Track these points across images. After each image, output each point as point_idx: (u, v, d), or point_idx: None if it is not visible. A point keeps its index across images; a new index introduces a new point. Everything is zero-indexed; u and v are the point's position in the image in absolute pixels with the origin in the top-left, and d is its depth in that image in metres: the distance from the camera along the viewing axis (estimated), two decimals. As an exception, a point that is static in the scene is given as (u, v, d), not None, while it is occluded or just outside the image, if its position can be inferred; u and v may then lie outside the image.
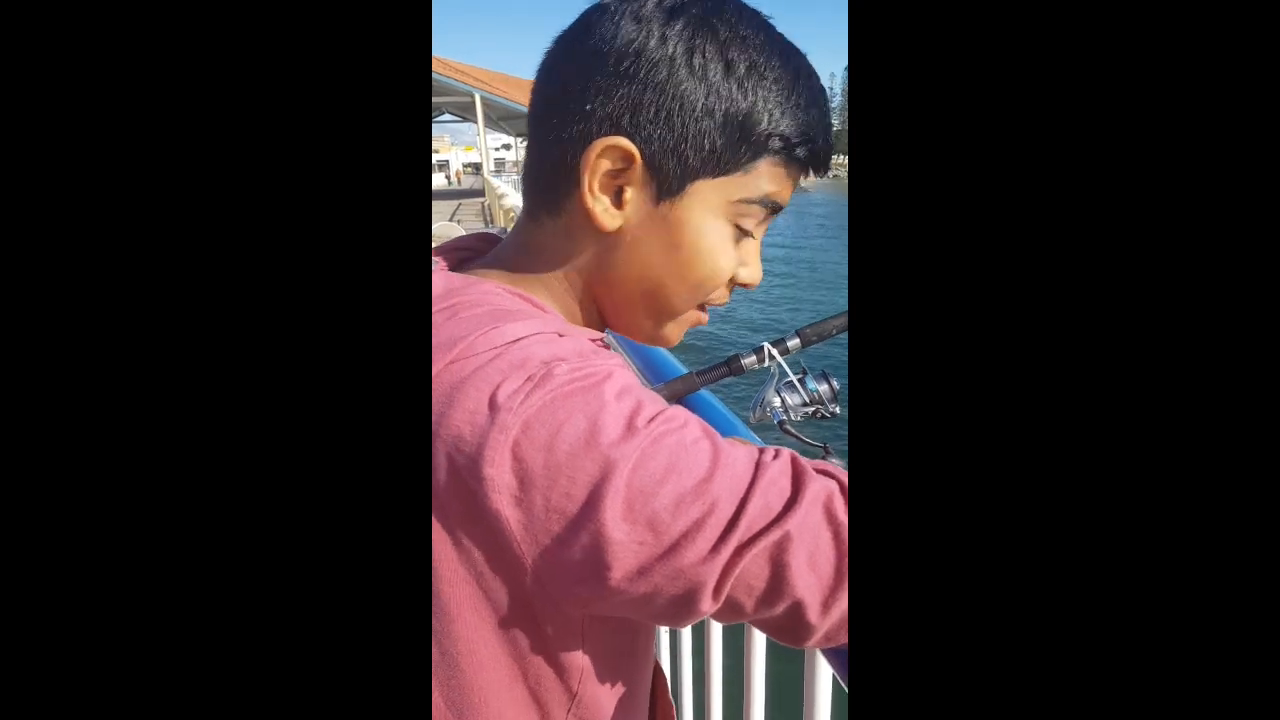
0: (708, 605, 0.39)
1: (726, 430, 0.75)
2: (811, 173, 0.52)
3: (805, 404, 0.75)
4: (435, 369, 0.39)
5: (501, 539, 0.38)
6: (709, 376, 0.77)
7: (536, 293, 0.50)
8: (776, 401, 0.75)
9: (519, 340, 0.41)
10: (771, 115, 0.48)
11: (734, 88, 0.47)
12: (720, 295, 0.54)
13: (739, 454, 0.41)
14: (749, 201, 0.49)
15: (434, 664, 0.42)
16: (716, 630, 0.94)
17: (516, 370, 0.39)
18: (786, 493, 0.40)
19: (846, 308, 0.84)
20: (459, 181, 36.65)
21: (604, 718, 0.50)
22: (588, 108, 0.46)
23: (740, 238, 0.51)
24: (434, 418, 0.38)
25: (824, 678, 0.59)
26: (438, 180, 36.79)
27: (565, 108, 0.47)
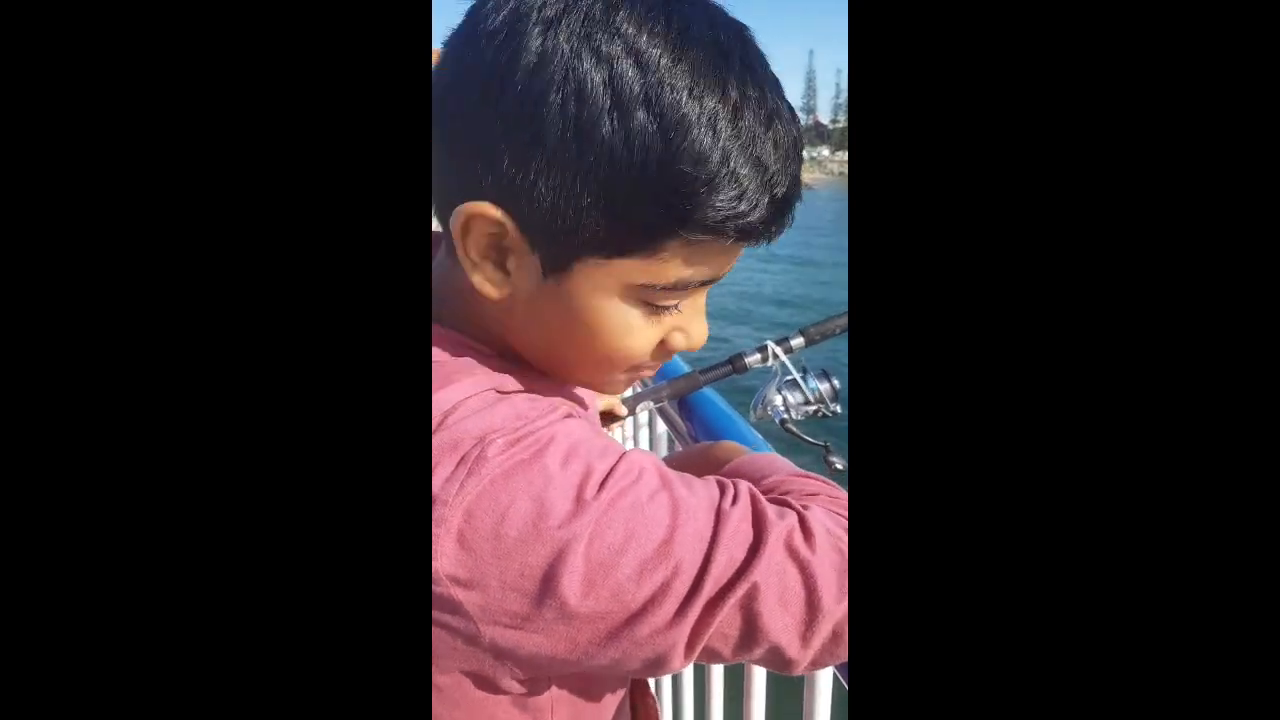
0: (679, 663, 0.38)
1: (728, 430, 0.76)
2: (757, 243, 0.40)
3: (806, 403, 0.75)
4: None
5: (458, 619, 0.37)
6: (711, 375, 0.77)
7: (468, 328, 0.44)
8: (778, 400, 0.75)
9: (451, 412, 0.37)
10: (686, 184, 0.36)
11: (645, 146, 0.35)
12: (651, 365, 0.46)
13: (699, 504, 0.39)
14: (659, 288, 0.40)
15: None
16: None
17: (449, 454, 0.36)
18: (749, 538, 0.38)
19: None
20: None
21: None
22: (454, 153, 0.38)
23: (658, 313, 0.41)
24: None
25: (824, 675, 0.59)
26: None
27: (439, 148, 0.39)
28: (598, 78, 0.35)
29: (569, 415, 0.40)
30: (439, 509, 0.35)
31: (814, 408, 0.75)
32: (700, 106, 0.36)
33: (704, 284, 0.42)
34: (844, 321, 0.81)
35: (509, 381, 0.41)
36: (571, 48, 0.35)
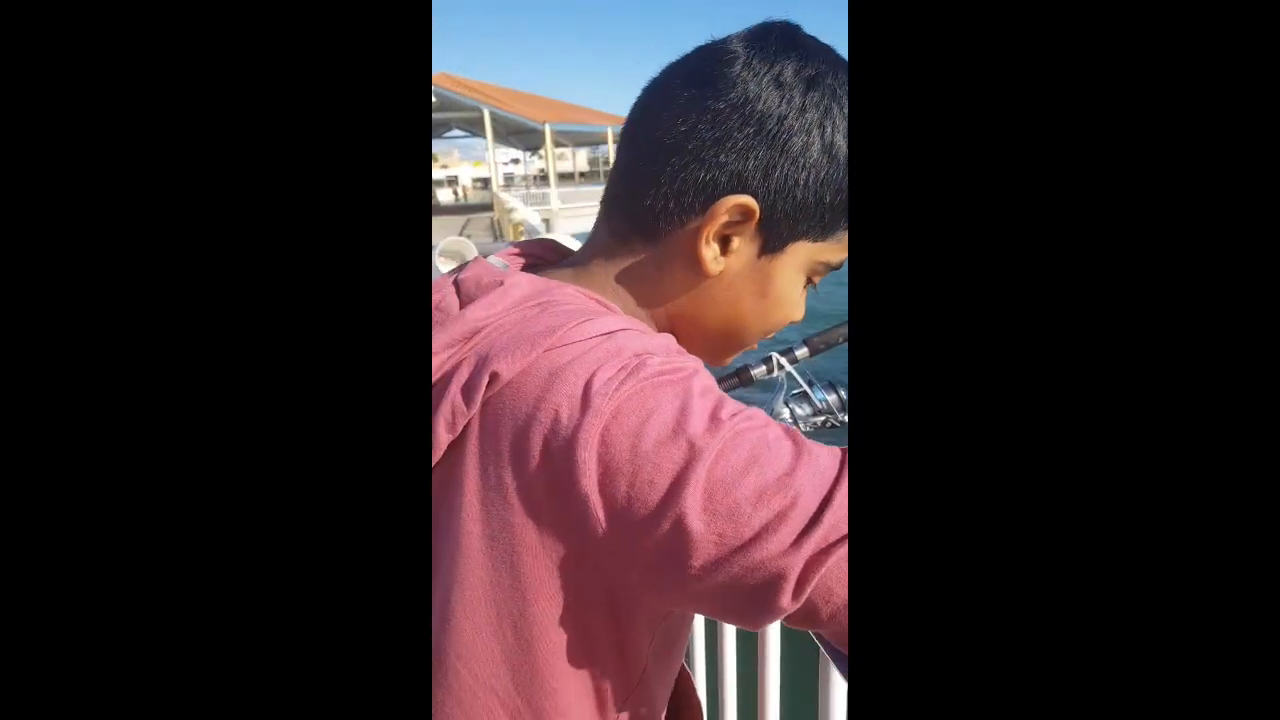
0: (787, 601, 0.38)
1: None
2: None
3: (814, 413, 0.75)
4: (530, 357, 0.41)
5: (587, 523, 0.39)
6: (720, 387, 0.77)
7: (617, 305, 0.52)
8: (785, 413, 0.75)
9: (613, 333, 0.43)
10: None
11: (838, 162, 0.50)
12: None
13: (823, 452, 0.41)
14: (829, 265, 0.54)
15: (507, 646, 0.42)
16: (730, 638, 0.94)
17: (611, 359, 0.41)
18: None
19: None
20: (467, 197, 36.83)
21: (653, 716, 0.50)
22: (721, 159, 0.48)
23: (807, 289, 0.55)
24: (529, 401, 0.40)
25: (839, 687, 0.58)
26: (446, 195, 36.95)
27: (693, 152, 0.49)
28: (832, 125, 0.49)
29: (704, 366, 0.46)
30: (596, 400, 0.39)
31: (822, 418, 0.75)
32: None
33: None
34: (848, 330, 0.81)
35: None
36: (822, 108, 0.49)
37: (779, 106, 0.48)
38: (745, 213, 0.49)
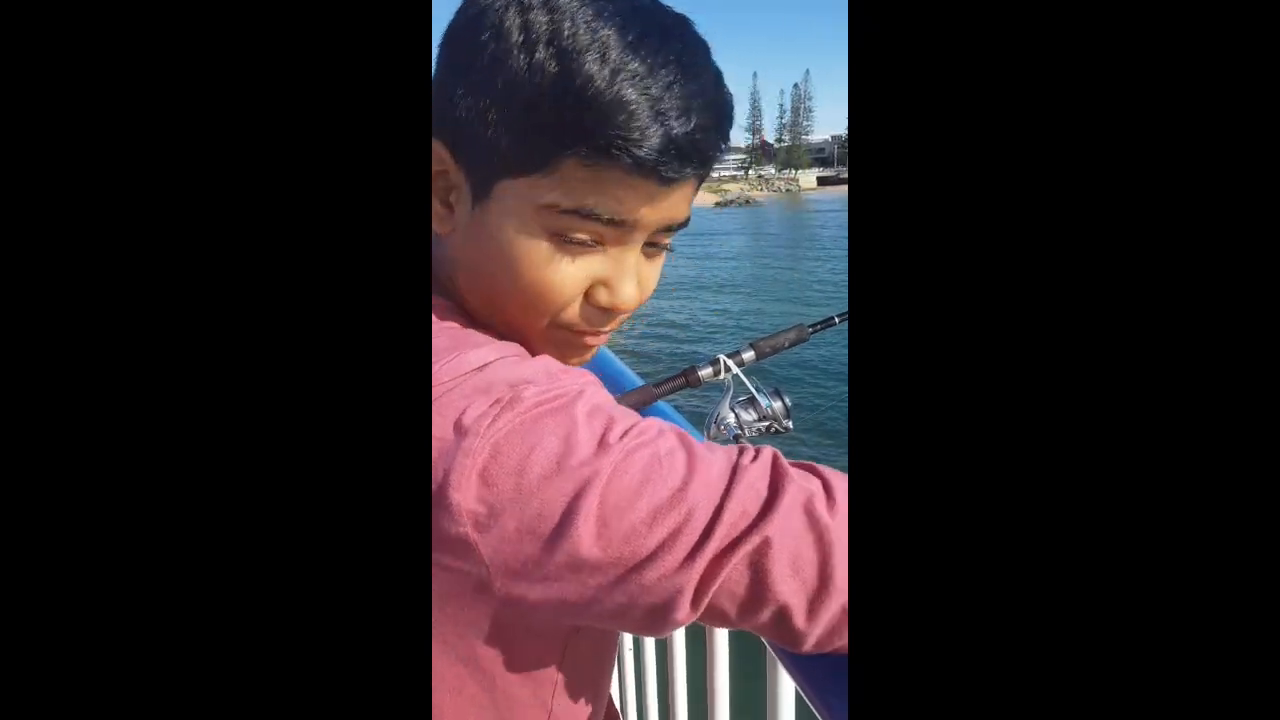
0: (684, 615, 0.38)
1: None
2: (657, 180, 0.42)
3: (759, 419, 0.76)
4: None
5: (470, 563, 0.37)
6: (666, 388, 0.77)
7: (464, 304, 0.48)
8: (731, 418, 0.76)
9: (484, 367, 0.40)
10: (576, 103, 0.40)
11: (543, 71, 0.40)
12: (583, 325, 0.48)
13: (716, 459, 0.40)
14: (561, 210, 0.43)
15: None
16: (680, 644, 0.94)
17: (481, 395, 0.38)
18: (763, 495, 0.38)
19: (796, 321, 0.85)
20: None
21: None
22: (435, 104, 0.44)
23: (576, 251, 0.44)
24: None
25: (787, 692, 0.59)
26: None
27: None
28: (516, 22, 0.41)
29: (593, 382, 0.43)
30: (468, 440, 0.37)
31: (767, 423, 0.75)
32: (593, 37, 0.41)
33: (611, 222, 0.44)
34: (794, 335, 0.82)
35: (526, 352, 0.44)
36: (504, 4, 0.42)
37: (458, 25, 0.43)
38: (439, 159, 0.44)
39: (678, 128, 0.42)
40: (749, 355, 0.79)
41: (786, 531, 0.38)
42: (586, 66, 0.40)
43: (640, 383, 0.86)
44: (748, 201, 55.48)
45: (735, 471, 0.39)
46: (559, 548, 0.36)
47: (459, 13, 0.45)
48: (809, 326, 0.82)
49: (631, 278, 0.47)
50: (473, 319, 0.47)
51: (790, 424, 0.76)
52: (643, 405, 0.78)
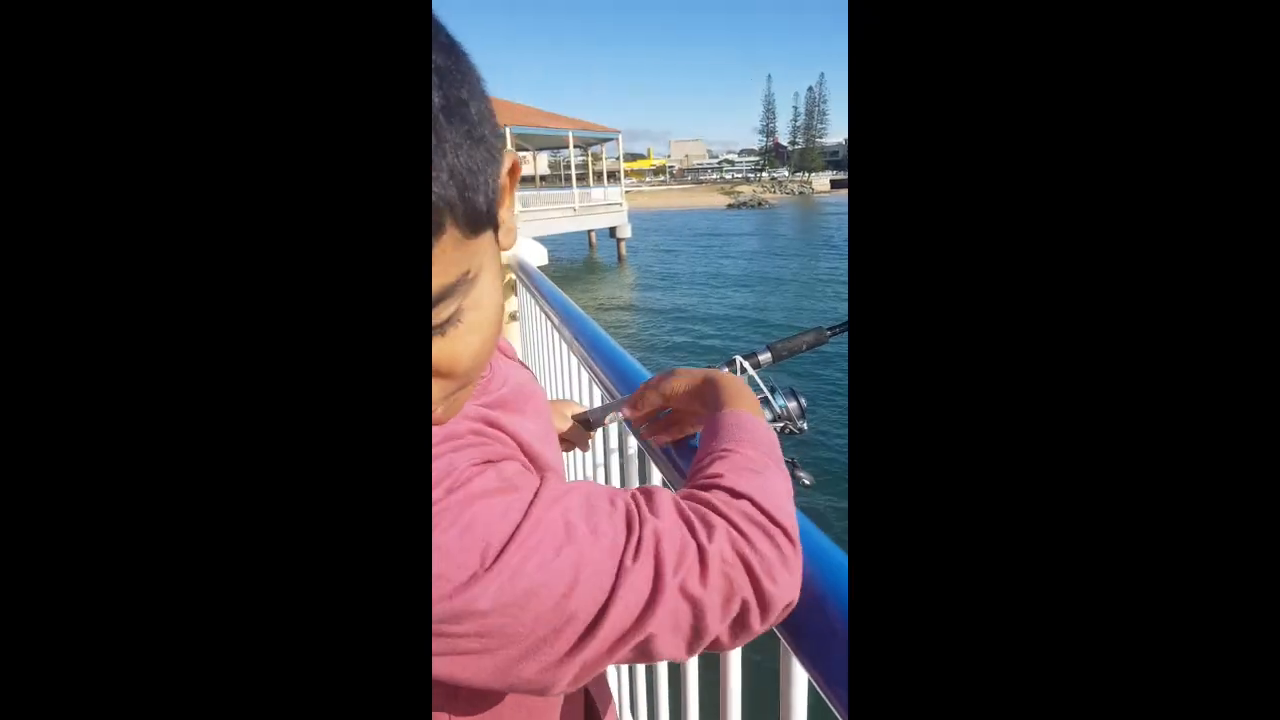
0: (561, 690, 0.41)
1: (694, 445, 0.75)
2: None
3: (775, 419, 0.75)
4: None
5: None
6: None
7: None
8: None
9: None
10: None
11: None
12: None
13: (601, 558, 0.40)
14: None
15: None
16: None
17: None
18: (646, 594, 0.41)
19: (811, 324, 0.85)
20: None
21: None
22: None
23: None
24: None
25: (800, 681, 0.59)
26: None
27: None
28: None
29: (485, 461, 0.42)
30: None
31: (782, 424, 0.75)
32: None
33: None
34: (811, 338, 0.81)
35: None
36: None
37: None
38: None
39: None
40: (765, 357, 0.79)
41: (665, 615, 0.41)
42: None
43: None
44: (760, 204, 55.38)
45: (619, 574, 0.40)
46: (443, 656, 0.38)
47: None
48: (827, 329, 0.81)
49: None
50: None
51: (805, 425, 0.76)
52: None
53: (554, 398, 1.47)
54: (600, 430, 1.03)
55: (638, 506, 0.44)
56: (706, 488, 0.49)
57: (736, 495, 0.47)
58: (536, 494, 0.41)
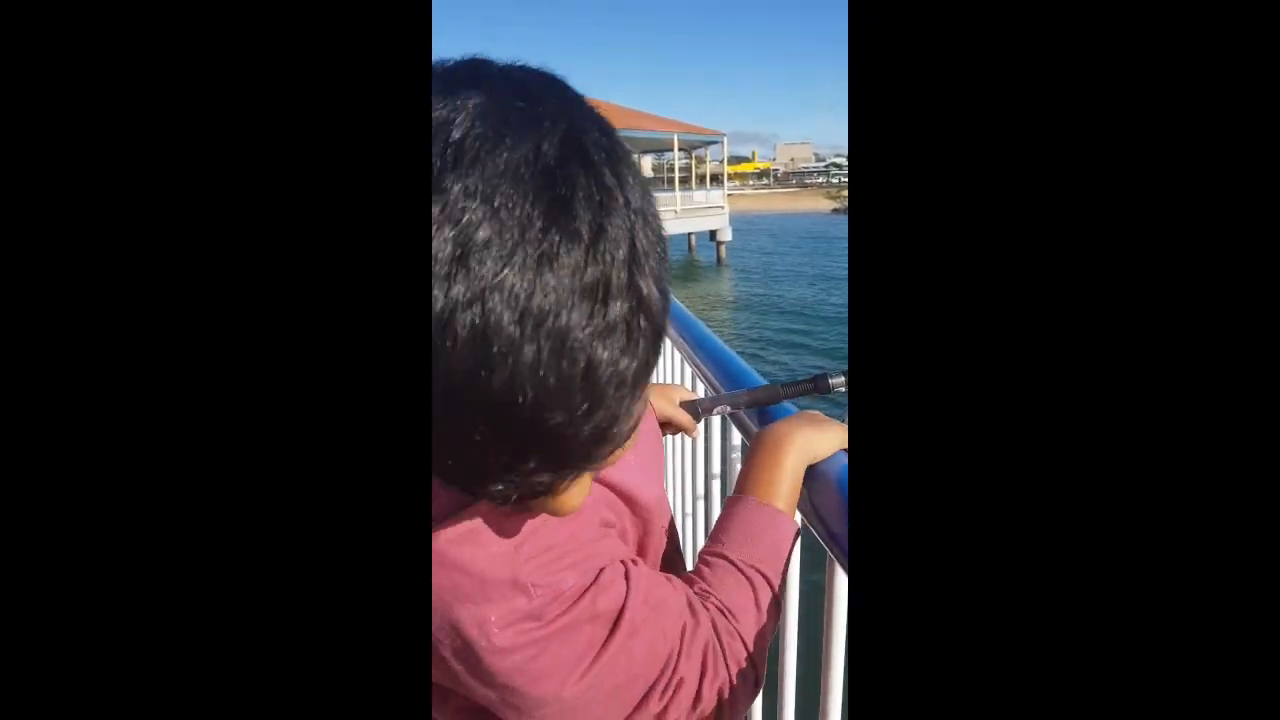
0: None
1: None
2: None
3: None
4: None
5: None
6: (793, 390, 0.75)
7: None
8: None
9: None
10: None
11: None
12: None
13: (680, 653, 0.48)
14: None
15: None
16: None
17: (507, 590, 0.41)
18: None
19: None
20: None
21: None
22: None
23: None
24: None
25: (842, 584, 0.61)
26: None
27: None
28: None
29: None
30: (485, 637, 0.41)
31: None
32: None
33: None
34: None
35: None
36: None
37: None
38: None
39: None
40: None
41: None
42: None
43: (762, 381, 0.85)
44: (867, 209, 53.76)
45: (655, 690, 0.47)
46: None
47: None
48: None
49: None
50: None
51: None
52: (769, 403, 0.76)
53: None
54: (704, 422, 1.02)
55: (681, 644, 0.49)
56: (728, 614, 0.52)
57: (746, 648, 0.52)
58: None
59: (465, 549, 0.41)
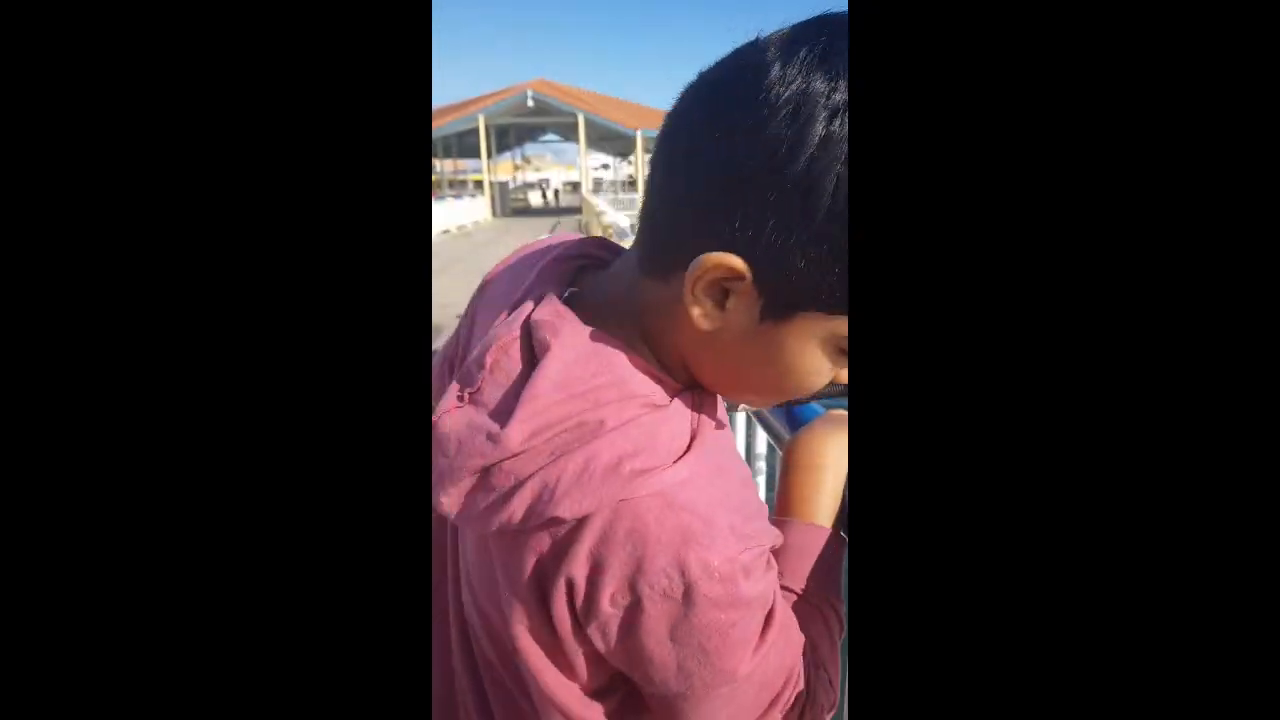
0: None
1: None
2: None
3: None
4: (596, 503, 0.40)
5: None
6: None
7: (646, 349, 0.48)
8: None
9: (680, 503, 0.41)
10: None
11: None
12: None
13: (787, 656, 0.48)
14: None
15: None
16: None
17: (661, 549, 0.41)
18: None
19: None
20: (557, 199, 37.25)
21: None
22: (720, 203, 0.40)
23: (840, 360, 0.45)
24: (621, 551, 0.41)
25: None
26: (536, 198, 37.39)
27: (694, 192, 0.41)
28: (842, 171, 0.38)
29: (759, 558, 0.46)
30: (641, 590, 0.42)
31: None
32: None
33: None
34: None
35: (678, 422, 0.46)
36: (834, 151, 0.37)
37: (792, 142, 0.37)
38: (731, 273, 0.40)
39: None
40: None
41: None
42: None
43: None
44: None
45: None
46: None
47: (787, 122, 0.38)
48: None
49: None
50: (662, 366, 0.48)
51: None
52: (797, 401, 0.80)
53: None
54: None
55: (803, 660, 0.51)
56: (815, 665, 0.54)
57: (829, 677, 0.54)
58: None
59: (691, 492, 0.41)
